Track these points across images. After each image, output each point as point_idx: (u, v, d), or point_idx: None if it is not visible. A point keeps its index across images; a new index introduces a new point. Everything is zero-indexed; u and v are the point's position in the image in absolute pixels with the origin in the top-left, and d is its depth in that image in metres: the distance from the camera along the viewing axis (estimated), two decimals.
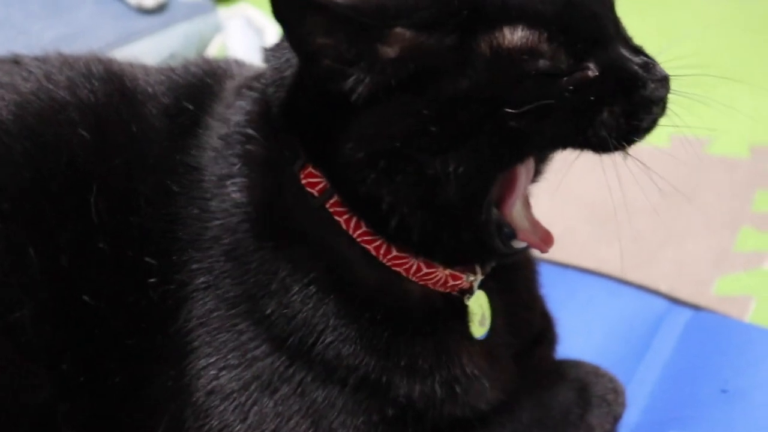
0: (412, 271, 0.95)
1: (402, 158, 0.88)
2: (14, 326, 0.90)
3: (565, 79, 0.89)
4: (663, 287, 1.37)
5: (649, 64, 0.96)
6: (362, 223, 0.93)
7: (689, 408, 1.12)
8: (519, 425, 1.06)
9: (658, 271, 1.43)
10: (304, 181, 0.94)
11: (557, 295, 1.24)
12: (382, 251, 0.94)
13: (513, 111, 0.86)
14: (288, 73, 0.94)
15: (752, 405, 1.11)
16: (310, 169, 0.94)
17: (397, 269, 0.95)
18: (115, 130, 0.98)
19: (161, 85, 1.04)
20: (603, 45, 0.92)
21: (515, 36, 0.87)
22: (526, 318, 1.13)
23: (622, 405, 1.11)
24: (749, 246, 1.51)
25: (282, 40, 0.97)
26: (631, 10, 2.25)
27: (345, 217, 0.93)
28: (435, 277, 0.96)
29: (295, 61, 0.92)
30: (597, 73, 0.90)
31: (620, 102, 0.92)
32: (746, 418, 1.09)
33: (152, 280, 0.94)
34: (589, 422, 1.09)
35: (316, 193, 0.93)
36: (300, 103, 0.93)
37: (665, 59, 2.03)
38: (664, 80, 0.97)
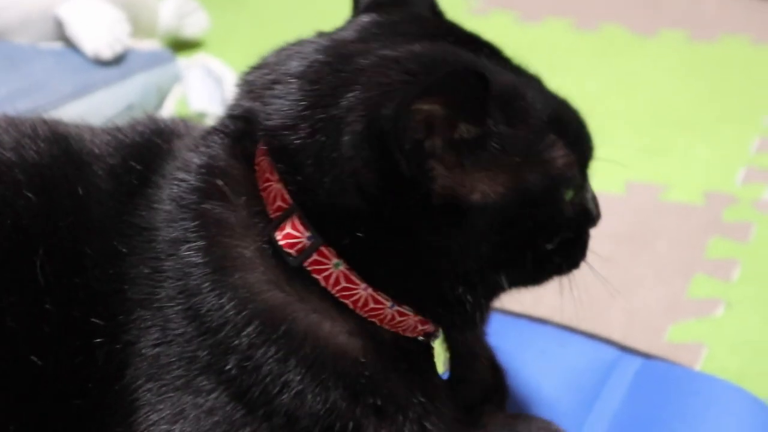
0: (387, 320, 0.96)
1: (475, 271, 0.94)
2: None
3: (569, 205, 0.97)
4: (616, 335, 1.38)
5: (595, 198, 1.03)
6: (342, 280, 0.94)
7: None
8: None
9: (612, 319, 1.45)
10: (282, 241, 0.94)
11: (509, 346, 1.25)
12: (360, 304, 0.95)
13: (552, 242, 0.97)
14: (342, 149, 0.91)
15: None
16: (288, 229, 0.94)
17: (372, 319, 0.96)
18: (61, 191, 0.98)
19: (108, 146, 1.04)
20: (587, 171, 1.01)
21: (560, 154, 0.95)
22: (476, 372, 1.15)
23: None
24: (702, 293, 1.53)
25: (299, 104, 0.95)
26: (590, 59, 2.31)
27: (324, 275, 0.94)
28: (406, 323, 0.98)
29: (348, 138, 0.91)
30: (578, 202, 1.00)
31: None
32: None
33: (98, 340, 0.94)
34: None
35: (294, 253, 0.94)
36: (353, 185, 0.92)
37: (621, 108, 2.08)
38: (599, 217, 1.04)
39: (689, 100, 2.11)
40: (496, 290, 0.98)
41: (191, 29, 2.21)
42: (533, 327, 1.32)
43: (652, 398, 1.23)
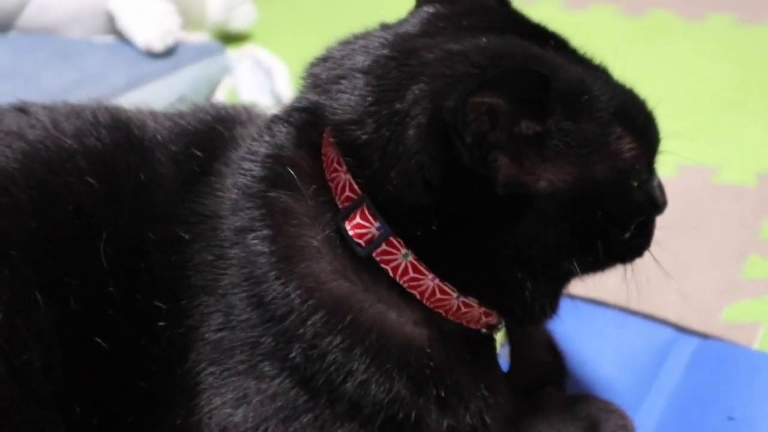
0: (452, 311, 0.97)
1: (542, 259, 0.95)
2: (22, 371, 0.92)
3: (637, 194, 0.98)
4: (672, 317, 1.37)
5: (661, 185, 1.04)
6: (410, 270, 0.95)
7: None
8: None
9: (666, 301, 1.44)
10: (351, 231, 0.95)
11: (566, 328, 1.25)
12: (426, 295, 0.96)
13: (623, 231, 0.97)
14: (407, 144, 0.92)
15: (756, 428, 1.12)
16: (357, 219, 0.95)
17: (438, 310, 0.97)
18: (123, 177, 1.00)
19: (170, 132, 1.06)
20: (654, 160, 1.02)
21: (627, 147, 0.95)
22: (535, 354, 1.16)
23: None
24: (757, 273, 1.52)
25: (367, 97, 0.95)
26: (640, 42, 2.30)
27: (393, 265, 0.95)
28: (471, 314, 0.98)
29: (412, 132, 0.91)
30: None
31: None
32: None
33: (162, 323, 0.96)
34: None
35: (363, 243, 0.95)
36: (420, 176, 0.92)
37: (670, 92, 2.06)
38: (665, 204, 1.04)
39: (738, 82, 2.10)
40: (567, 278, 0.99)
41: (239, 22, 2.22)
42: (589, 309, 1.32)
43: (709, 377, 1.23)
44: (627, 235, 0.97)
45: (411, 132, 0.91)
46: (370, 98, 0.94)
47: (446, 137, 0.88)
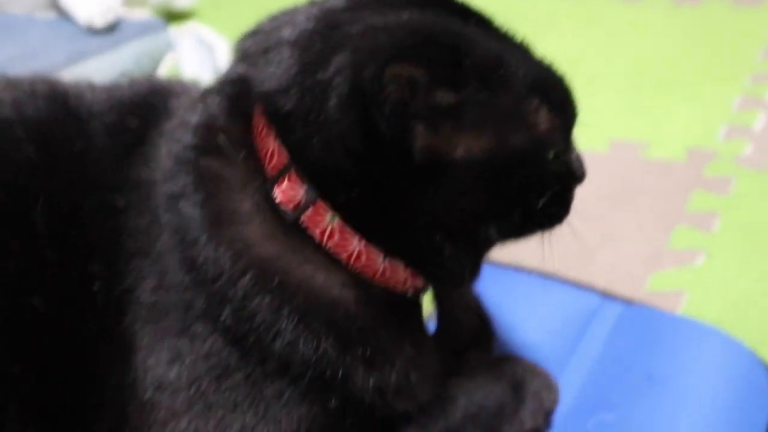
0: (378, 274, 1.00)
1: (460, 224, 0.98)
2: None
3: (553, 165, 1.01)
4: (599, 284, 1.42)
5: (580, 157, 1.07)
6: (336, 233, 0.98)
7: (616, 393, 1.18)
8: (451, 421, 1.12)
9: (594, 270, 1.49)
10: (280, 196, 0.98)
11: (493, 294, 1.30)
12: (353, 258, 0.99)
13: (539, 199, 1.00)
14: (329, 112, 0.95)
15: (675, 388, 1.17)
16: (285, 185, 0.98)
17: (364, 273, 1.00)
18: (59, 147, 1.02)
19: (106, 103, 1.08)
20: (571, 133, 1.04)
21: (543, 119, 0.99)
22: (462, 316, 1.20)
23: (555, 401, 1.18)
24: (682, 244, 1.57)
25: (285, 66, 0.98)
26: (575, 23, 2.34)
27: (320, 228, 0.98)
28: (397, 277, 1.02)
29: (334, 101, 0.94)
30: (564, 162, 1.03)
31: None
32: (668, 401, 1.16)
33: (97, 285, 0.99)
34: (521, 417, 1.15)
35: (291, 207, 0.98)
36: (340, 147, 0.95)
37: (604, 70, 2.12)
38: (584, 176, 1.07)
39: (673, 61, 2.15)
40: (486, 243, 1.02)
41: (182, 0, 2.24)
42: (517, 275, 1.37)
43: (633, 341, 1.27)
44: (541, 202, 1.00)
45: (332, 101, 0.94)
46: (294, 69, 0.97)
47: (365, 106, 0.92)
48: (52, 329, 0.98)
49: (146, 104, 1.09)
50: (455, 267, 1.01)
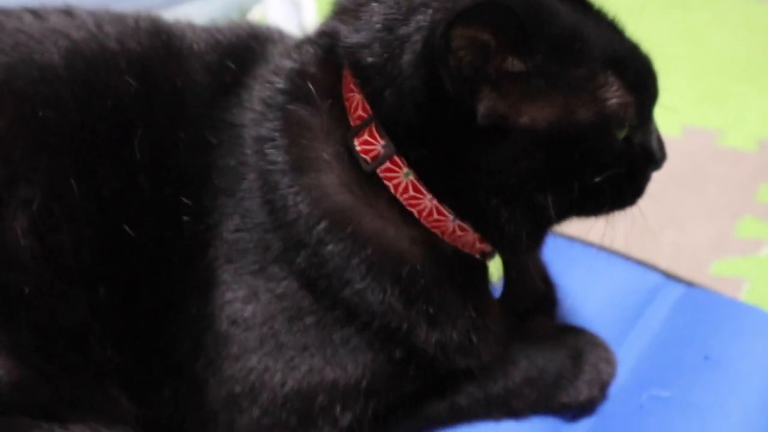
0: (448, 232, 1.03)
1: (516, 189, 0.99)
2: (54, 249, 0.99)
3: (623, 144, 1.02)
4: (662, 265, 1.44)
5: (661, 141, 1.08)
6: (410, 188, 1.01)
7: (672, 371, 1.20)
8: (511, 382, 1.15)
9: (658, 251, 1.50)
10: (359, 147, 1.01)
11: (559, 264, 1.32)
12: (424, 214, 1.02)
13: (600, 176, 1.01)
14: (403, 67, 0.98)
15: (730, 371, 1.19)
16: (365, 136, 1.01)
17: (435, 230, 1.03)
18: (160, 81, 1.07)
19: (206, 44, 1.12)
20: (649, 113, 1.05)
21: (616, 95, 1.00)
22: (529, 283, 1.22)
23: (612, 374, 1.20)
24: (748, 233, 1.58)
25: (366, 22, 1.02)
26: (656, 11, 2.33)
27: (395, 182, 1.01)
28: (465, 239, 1.05)
29: (410, 57, 0.98)
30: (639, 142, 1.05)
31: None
32: (723, 383, 1.18)
33: (185, 218, 1.03)
34: (577, 386, 1.18)
35: (369, 159, 1.01)
36: (416, 104, 0.99)
37: (684, 58, 2.11)
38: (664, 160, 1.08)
39: (749, 54, 2.14)
40: (543, 214, 1.02)
41: None
42: (583, 249, 1.38)
43: (691, 322, 1.29)
44: (597, 179, 1.01)
45: (407, 56, 0.98)
46: (379, 24, 1.01)
47: (434, 64, 0.94)
48: (140, 255, 1.02)
49: (245, 48, 1.13)
50: (512, 233, 1.03)
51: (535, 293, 1.24)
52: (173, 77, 1.07)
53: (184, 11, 1.80)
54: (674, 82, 1.65)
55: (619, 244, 1.42)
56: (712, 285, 1.42)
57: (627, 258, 1.41)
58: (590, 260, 1.37)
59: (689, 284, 1.39)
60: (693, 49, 2.16)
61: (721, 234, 1.57)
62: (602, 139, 1.00)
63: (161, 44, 1.09)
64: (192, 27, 1.15)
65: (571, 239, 1.41)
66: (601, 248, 1.41)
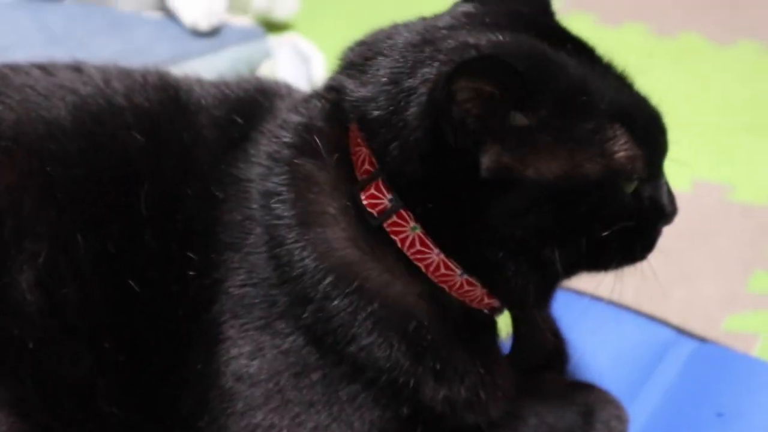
0: (456, 287, 1.02)
1: (523, 243, 0.98)
2: (60, 303, 0.99)
3: (632, 198, 1.01)
4: (673, 320, 1.42)
5: (672, 195, 1.07)
6: (417, 243, 1.00)
7: (685, 428, 1.19)
8: None
9: (669, 306, 1.49)
10: (366, 201, 1.00)
11: (570, 320, 1.31)
12: (431, 269, 1.01)
13: (608, 231, 1.00)
14: (408, 120, 0.98)
15: (744, 428, 1.18)
16: (372, 191, 1.00)
17: (442, 285, 1.02)
18: (167, 136, 1.07)
19: (214, 98, 1.12)
20: (659, 167, 1.04)
21: (624, 149, 0.99)
22: (539, 338, 1.21)
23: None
24: (760, 288, 1.57)
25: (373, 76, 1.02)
26: (666, 64, 2.34)
27: (401, 236, 1.00)
28: (473, 294, 1.03)
29: (415, 109, 0.97)
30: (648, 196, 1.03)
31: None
32: None
33: (191, 273, 1.02)
34: None
35: (375, 213, 1.01)
36: (420, 158, 0.98)
37: (693, 111, 2.11)
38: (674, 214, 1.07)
39: (760, 107, 2.14)
40: (550, 269, 1.01)
41: (282, 11, 2.27)
42: (593, 304, 1.36)
43: (704, 378, 1.28)
44: (605, 233, 0.99)
45: (413, 109, 0.97)
46: (385, 78, 1.01)
47: (436, 115, 0.94)
48: (145, 310, 1.02)
49: (253, 102, 1.13)
50: (520, 288, 1.02)
51: (545, 349, 1.22)
52: (180, 132, 1.07)
53: (193, 66, 1.80)
54: (684, 135, 1.64)
55: (629, 299, 1.41)
56: (725, 340, 1.41)
57: (637, 313, 1.40)
58: (600, 315, 1.36)
59: (702, 339, 1.37)
60: (703, 103, 2.16)
61: (733, 289, 1.56)
62: (610, 193, 0.99)
63: (169, 99, 1.10)
64: (200, 82, 1.15)
65: (581, 293, 1.39)
66: (611, 303, 1.40)
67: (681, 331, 1.38)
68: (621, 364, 1.31)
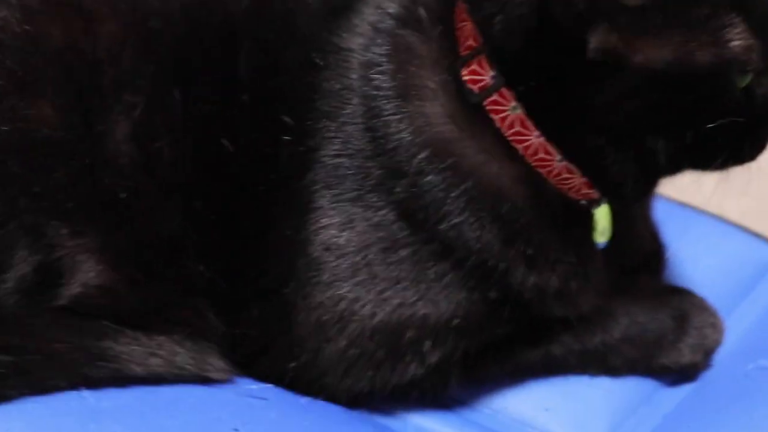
0: (554, 173, 1.00)
1: (625, 130, 0.95)
2: (153, 158, 0.98)
3: (745, 92, 0.96)
4: None
5: None
6: (517, 123, 0.97)
7: None
8: (609, 337, 1.11)
9: None
10: (467, 77, 0.98)
11: (673, 229, 1.27)
12: (530, 152, 0.98)
13: (712, 122, 0.94)
14: None
15: None
16: (474, 66, 0.98)
17: (541, 169, 0.99)
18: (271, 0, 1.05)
19: None
20: None
21: (740, 38, 0.93)
22: (637, 239, 1.18)
23: (718, 341, 1.14)
24: None
25: None
26: None
27: (501, 116, 0.98)
28: (572, 182, 1.01)
29: None
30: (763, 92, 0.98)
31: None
32: None
33: (286, 137, 1.01)
34: (680, 349, 1.13)
35: (476, 90, 0.98)
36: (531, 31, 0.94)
37: None
38: None
39: None
40: (652, 160, 0.98)
41: None
42: (699, 216, 1.33)
43: None
44: (711, 126, 0.95)
45: None
46: None
47: None
48: (238, 172, 1.01)
49: None
50: (619, 177, 0.99)
51: (642, 250, 1.19)
52: None
53: None
54: None
55: (736, 218, 1.37)
56: None
57: (743, 229, 1.35)
58: (704, 228, 1.32)
59: None
60: None
61: None
62: (722, 84, 0.95)
63: None
64: None
65: (686, 205, 1.35)
66: (721, 219, 1.36)
67: None
68: (722, 277, 1.26)
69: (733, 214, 1.37)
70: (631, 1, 0.90)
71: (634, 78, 0.93)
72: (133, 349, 0.96)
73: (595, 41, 0.90)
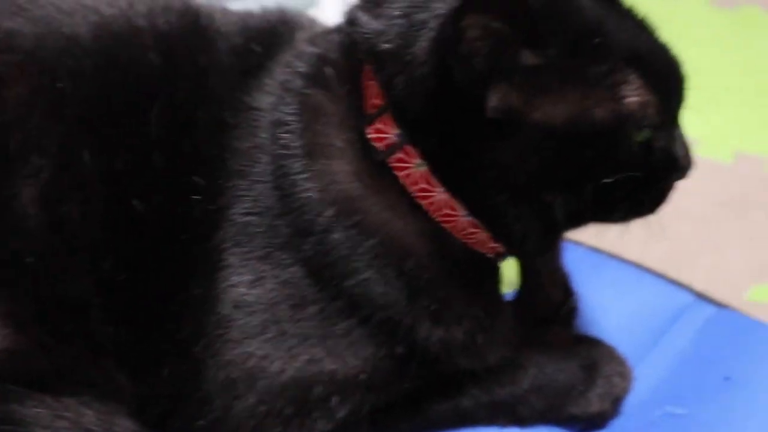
0: (459, 228, 1.01)
1: (525, 187, 0.97)
2: (61, 219, 0.98)
3: (642, 147, 0.99)
4: (696, 286, 1.40)
5: (687, 148, 1.03)
6: (421, 180, 0.99)
7: (690, 390, 1.16)
8: (518, 388, 1.12)
9: (694, 272, 1.47)
10: (372, 135, 1.00)
11: (585, 275, 1.29)
12: (435, 207, 1.00)
13: (611, 179, 0.97)
14: (416, 54, 0.97)
15: (749, 394, 1.15)
16: (379, 125, 1.00)
17: (445, 225, 1.01)
18: (183, 59, 1.06)
19: (234, 26, 1.11)
20: (674, 117, 1.02)
21: (636, 94, 0.96)
22: (547, 289, 1.20)
23: (626, 389, 1.16)
24: None
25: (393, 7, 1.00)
26: (722, 35, 2.28)
27: (406, 172, 1.00)
28: (477, 236, 1.02)
29: (424, 44, 0.96)
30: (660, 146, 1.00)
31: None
32: (741, 404, 1.14)
33: (197, 197, 1.02)
34: (588, 399, 1.14)
35: (382, 147, 1.00)
36: (427, 93, 0.97)
37: (745, 84, 2.06)
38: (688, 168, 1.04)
39: None
40: (552, 215, 1.00)
41: None
42: (612, 262, 1.35)
43: (717, 343, 1.25)
44: (608, 180, 0.97)
45: (421, 43, 0.96)
46: (398, 11, 0.99)
47: (445, 52, 0.93)
48: (148, 231, 1.01)
49: (273, 33, 1.12)
50: (521, 233, 1.01)
51: (553, 300, 1.21)
52: (198, 56, 1.06)
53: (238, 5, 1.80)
54: (731, 107, 1.62)
55: (654, 263, 1.39)
56: (747, 309, 1.38)
57: (658, 275, 1.37)
58: (618, 273, 1.35)
59: (720, 306, 1.34)
60: (754, 76, 2.12)
61: (761, 261, 1.53)
62: (619, 140, 0.97)
63: (189, 24, 1.09)
64: (223, 11, 1.15)
65: (599, 251, 1.38)
66: (633, 264, 1.38)
67: (700, 296, 1.35)
68: (634, 323, 1.28)
69: (652, 259, 1.40)
70: (529, 60, 0.92)
71: (533, 135, 0.95)
72: (39, 412, 0.96)
73: (494, 100, 0.93)
